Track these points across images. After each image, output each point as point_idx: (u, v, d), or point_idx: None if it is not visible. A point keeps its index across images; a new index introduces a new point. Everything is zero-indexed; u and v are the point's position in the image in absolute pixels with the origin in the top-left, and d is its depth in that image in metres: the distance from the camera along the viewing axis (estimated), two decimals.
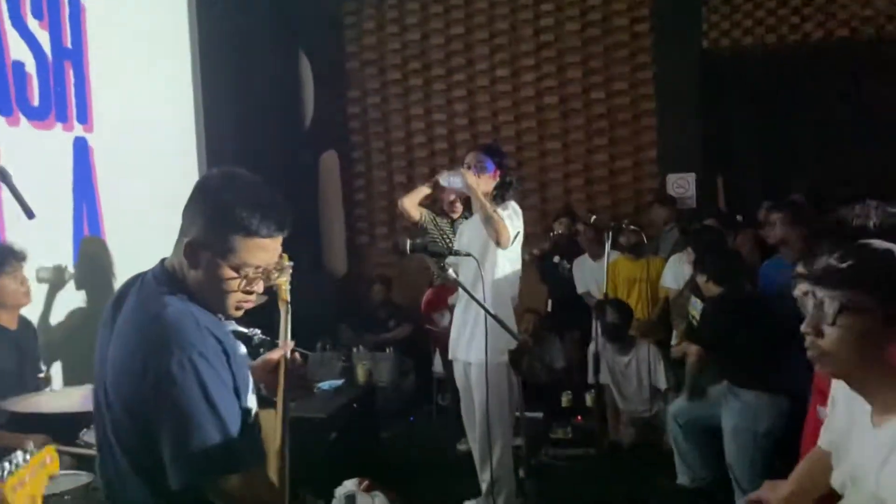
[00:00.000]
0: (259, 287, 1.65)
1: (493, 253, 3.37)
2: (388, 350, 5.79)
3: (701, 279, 3.87)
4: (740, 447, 3.49)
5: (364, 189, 7.28)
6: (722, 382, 3.73)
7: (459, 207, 4.70)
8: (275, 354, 1.90)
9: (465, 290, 2.57)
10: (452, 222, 4.72)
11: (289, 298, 1.97)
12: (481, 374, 3.29)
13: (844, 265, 1.49)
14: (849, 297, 1.46)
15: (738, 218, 5.65)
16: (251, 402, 1.67)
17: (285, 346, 1.89)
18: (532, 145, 6.89)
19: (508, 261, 3.46)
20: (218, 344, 1.56)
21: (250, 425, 1.62)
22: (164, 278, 1.63)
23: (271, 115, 6.24)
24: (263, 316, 4.14)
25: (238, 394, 1.59)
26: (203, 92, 5.32)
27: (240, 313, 1.69)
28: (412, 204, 4.18)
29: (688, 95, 6.52)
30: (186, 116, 5.29)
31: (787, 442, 3.34)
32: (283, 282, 1.93)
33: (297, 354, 1.91)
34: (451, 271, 2.70)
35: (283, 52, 6.57)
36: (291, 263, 2.04)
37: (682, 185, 6.63)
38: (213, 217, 1.59)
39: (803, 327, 1.54)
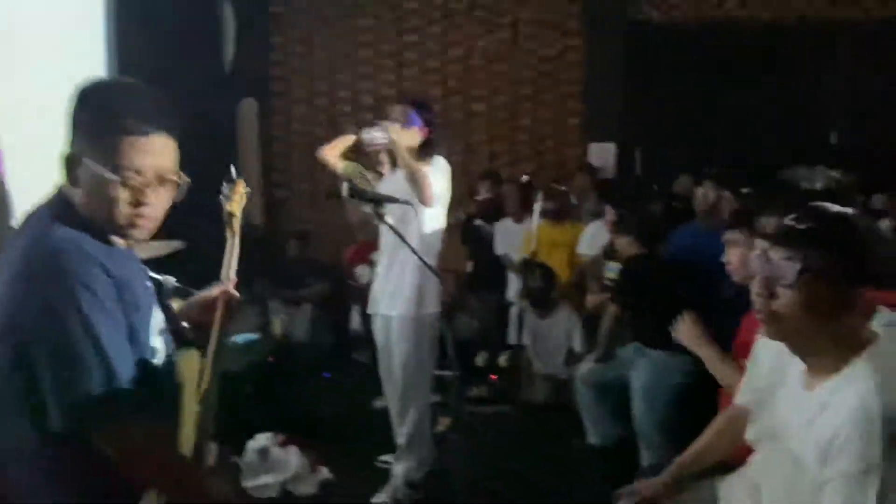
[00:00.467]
0: (152, 199, 1.48)
1: (417, 208, 3.33)
2: (304, 306, 5.70)
3: (622, 239, 3.94)
4: (649, 405, 3.61)
5: (283, 140, 7.06)
6: (630, 345, 3.85)
7: (386, 160, 4.62)
8: (214, 291, 1.83)
9: (402, 238, 2.53)
10: (381, 177, 4.64)
11: (238, 230, 1.96)
12: (404, 328, 3.26)
13: (804, 226, 1.48)
14: (811, 258, 1.44)
15: (654, 187, 5.81)
16: (157, 344, 1.54)
17: (229, 282, 1.81)
18: (458, 107, 6.84)
19: (433, 217, 3.43)
20: (109, 278, 1.41)
21: (151, 372, 1.48)
22: (58, 206, 1.48)
23: (188, 58, 5.91)
24: (183, 266, 4.00)
25: (134, 334, 1.45)
26: (114, 29, 5.01)
27: (139, 234, 1.51)
28: (333, 155, 4.05)
29: (613, 66, 6.60)
30: (95, 54, 4.97)
31: (691, 399, 3.50)
32: (235, 208, 1.94)
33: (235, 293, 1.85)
34: (388, 218, 2.65)
35: None
36: (248, 191, 2.08)
37: (603, 154, 6.75)
38: (91, 121, 1.45)
39: (755, 289, 1.52)
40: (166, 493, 1.45)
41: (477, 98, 6.83)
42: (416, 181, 3.19)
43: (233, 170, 2.13)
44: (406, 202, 2.99)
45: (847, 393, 1.42)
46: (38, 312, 1.35)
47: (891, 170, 5.89)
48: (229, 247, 1.92)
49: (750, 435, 1.81)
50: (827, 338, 1.49)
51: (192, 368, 1.65)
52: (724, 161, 5.93)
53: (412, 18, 6.78)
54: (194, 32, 6.02)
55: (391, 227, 2.64)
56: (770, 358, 1.77)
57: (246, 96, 6.81)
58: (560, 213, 5.20)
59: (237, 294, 1.85)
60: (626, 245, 3.89)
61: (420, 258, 2.61)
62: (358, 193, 2.82)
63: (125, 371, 1.40)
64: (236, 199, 2.08)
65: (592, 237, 5.03)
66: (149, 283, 1.64)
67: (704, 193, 4.30)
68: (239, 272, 5.65)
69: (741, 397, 1.96)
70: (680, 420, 3.51)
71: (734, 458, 1.97)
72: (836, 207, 1.50)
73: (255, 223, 6.81)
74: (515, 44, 6.75)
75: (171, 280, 3.42)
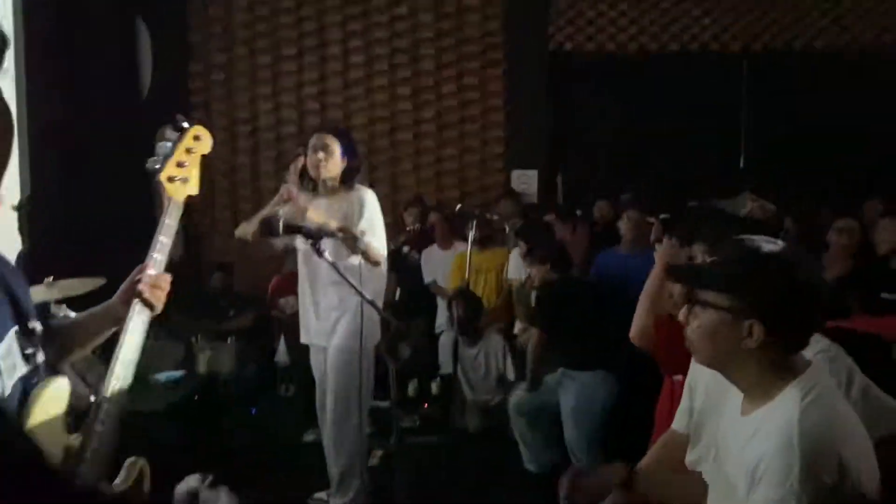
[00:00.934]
0: None
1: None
2: (229, 339, 5.54)
3: (536, 268, 4.04)
4: (579, 427, 3.69)
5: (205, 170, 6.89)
6: (558, 370, 3.91)
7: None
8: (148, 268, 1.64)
9: (339, 273, 2.48)
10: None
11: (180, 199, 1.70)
12: (340, 360, 3.21)
13: (706, 261, 1.57)
14: (705, 292, 1.50)
15: (577, 212, 5.95)
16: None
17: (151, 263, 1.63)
18: (384, 135, 6.86)
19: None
20: None
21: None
22: None
23: (104, 86, 5.74)
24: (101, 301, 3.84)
25: None
26: (27, 56, 4.82)
27: None
28: (250, 231, 3.56)
29: (534, 95, 6.77)
30: (7, 83, 4.75)
31: (618, 418, 3.59)
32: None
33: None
34: (326, 253, 2.61)
35: (118, 18, 6.06)
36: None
37: (526, 180, 6.89)
38: None
39: (679, 316, 1.58)
40: None
41: (402, 127, 6.87)
42: (366, 252, 3.11)
43: (178, 117, 1.81)
44: (343, 236, 2.96)
45: (774, 420, 1.43)
46: None
47: (796, 193, 6.24)
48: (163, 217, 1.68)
49: (689, 458, 1.85)
50: (748, 366, 1.49)
51: (58, 398, 1.44)
52: (640, 186, 6.18)
53: (334, 47, 6.78)
54: (110, 60, 5.84)
55: (331, 263, 2.59)
56: (707, 382, 1.82)
57: (164, 124, 6.62)
58: (487, 240, 5.27)
59: (155, 279, 1.62)
60: (541, 272, 3.99)
61: (360, 294, 2.57)
62: (294, 229, 2.78)
63: None
64: (175, 158, 1.73)
65: (519, 262, 5.11)
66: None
67: (629, 218, 4.45)
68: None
69: (678, 422, 2.01)
70: (610, 440, 3.59)
71: None
72: (756, 242, 1.51)
73: (174, 256, 6.62)
74: (438, 73, 6.83)
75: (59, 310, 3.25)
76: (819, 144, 6.60)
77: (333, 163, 3.34)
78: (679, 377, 2.29)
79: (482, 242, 5.31)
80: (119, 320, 1.64)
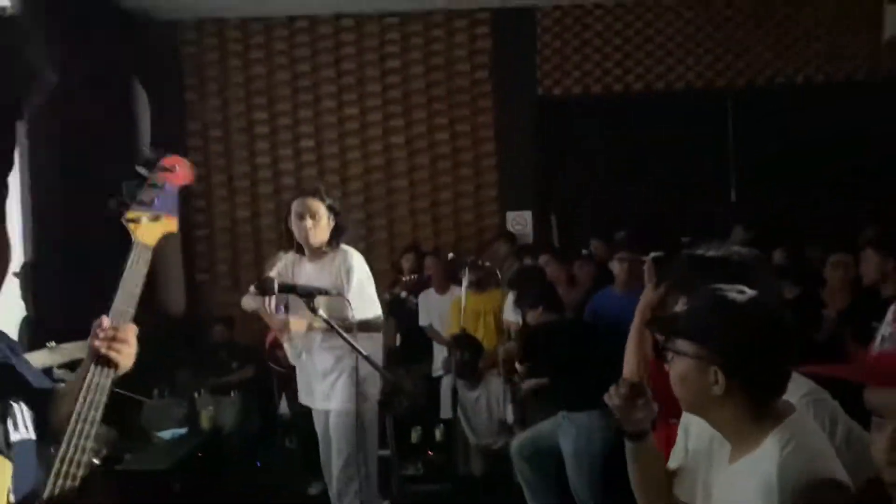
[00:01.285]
0: None
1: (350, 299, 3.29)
2: (232, 393, 5.57)
3: (530, 313, 4.08)
4: (581, 469, 3.69)
5: (205, 225, 7.00)
6: (557, 413, 3.92)
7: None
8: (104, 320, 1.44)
9: (339, 332, 2.51)
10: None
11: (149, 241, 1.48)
12: (347, 423, 3.18)
13: (676, 313, 1.63)
14: (675, 342, 1.55)
15: (584, 251, 5.99)
16: None
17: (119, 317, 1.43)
18: (380, 183, 6.97)
19: (366, 305, 3.38)
20: None
21: None
22: None
23: (102, 145, 5.87)
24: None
25: None
26: (26, 117, 4.93)
27: None
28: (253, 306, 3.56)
29: (524, 138, 6.91)
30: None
31: (620, 457, 3.59)
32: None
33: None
34: (321, 312, 2.65)
35: (116, 80, 6.22)
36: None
37: (521, 221, 6.98)
38: None
39: (665, 365, 1.62)
40: None
41: (398, 174, 6.99)
42: (365, 325, 3.08)
43: (147, 150, 1.64)
44: (338, 294, 2.97)
45: (754, 472, 1.44)
46: None
47: (787, 224, 6.32)
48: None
49: (676, 489, 1.85)
50: (729, 411, 1.50)
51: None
52: (633, 224, 6.25)
53: (328, 101, 6.94)
54: (108, 121, 5.98)
55: (327, 321, 2.61)
56: (700, 423, 1.85)
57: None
58: (483, 283, 5.33)
59: (114, 332, 1.42)
60: (535, 317, 4.03)
61: (356, 349, 2.59)
62: (288, 288, 2.81)
63: None
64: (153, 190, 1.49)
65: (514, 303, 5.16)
66: None
67: (621, 258, 4.51)
68: (162, 362, 5.44)
69: (672, 461, 2.02)
70: (612, 480, 3.58)
71: None
72: (728, 293, 1.55)
73: (175, 311, 6.68)
74: (430, 121, 6.98)
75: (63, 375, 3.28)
76: (807, 175, 6.70)
77: (321, 228, 3.27)
78: (674, 420, 2.31)
79: (479, 285, 5.36)
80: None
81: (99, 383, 1.41)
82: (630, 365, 2.53)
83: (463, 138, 7.00)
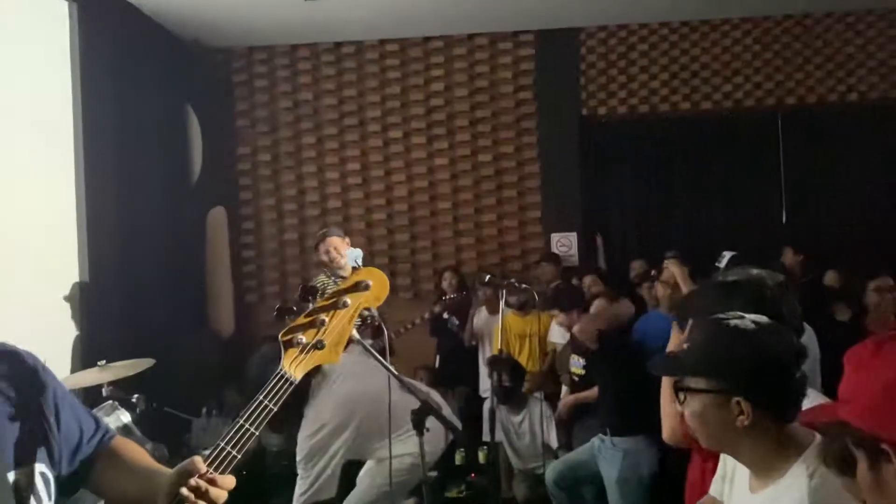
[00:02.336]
0: None
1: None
2: None
3: (576, 325, 4.01)
4: (625, 495, 3.61)
5: (254, 246, 7.15)
6: (591, 439, 3.85)
7: (342, 262, 4.63)
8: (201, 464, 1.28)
9: (371, 352, 2.49)
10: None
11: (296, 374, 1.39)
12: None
13: (680, 351, 1.57)
14: (686, 381, 1.51)
15: (653, 273, 5.87)
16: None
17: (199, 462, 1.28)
18: (423, 205, 7.03)
19: None
20: None
21: None
22: None
23: (157, 170, 6.08)
24: (155, 379, 3.98)
25: None
26: (84, 143, 5.14)
27: None
28: None
29: (568, 159, 6.89)
30: (65, 168, 5.09)
31: (664, 485, 3.51)
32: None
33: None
34: (354, 332, 2.66)
35: (169, 106, 6.45)
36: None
37: (565, 243, 6.93)
38: None
39: (677, 406, 1.58)
40: None
41: (442, 196, 7.03)
42: None
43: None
44: (374, 317, 2.98)
45: (783, 500, 1.42)
46: None
47: (838, 246, 6.14)
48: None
49: (713, 489, 1.82)
50: (753, 442, 1.48)
51: None
52: (679, 247, 6.15)
53: (374, 125, 7.04)
54: (161, 147, 6.19)
55: (362, 343, 2.60)
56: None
57: (215, 205, 6.94)
58: (525, 305, 5.30)
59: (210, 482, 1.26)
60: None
61: (387, 367, 2.58)
62: (313, 296, 2.83)
63: None
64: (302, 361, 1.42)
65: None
66: None
67: (664, 282, 4.45)
68: (209, 381, 5.56)
69: (713, 489, 1.99)
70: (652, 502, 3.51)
71: None
72: (730, 320, 1.51)
73: (224, 331, 6.82)
74: (474, 143, 7.02)
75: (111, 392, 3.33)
76: (859, 196, 6.52)
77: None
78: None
79: (522, 308, 5.35)
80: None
81: None
82: (667, 419, 2.45)
83: (507, 160, 7.02)
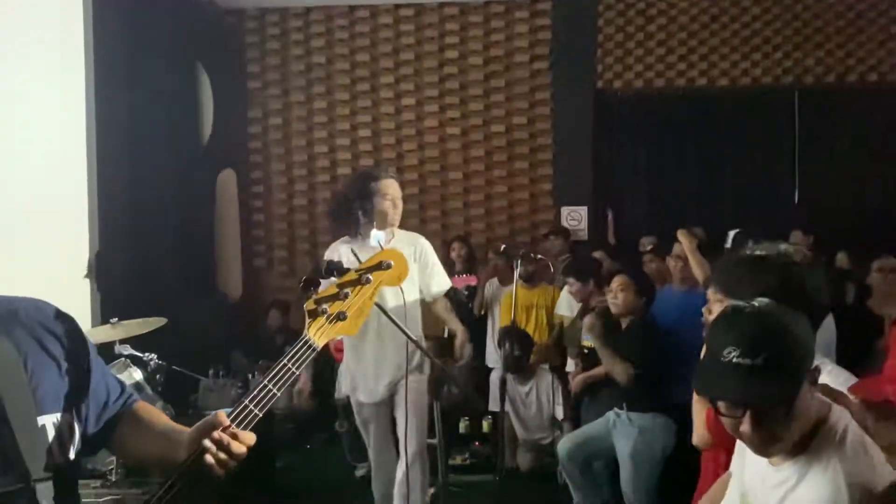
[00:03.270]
0: None
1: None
2: None
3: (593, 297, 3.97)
4: (637, 472, 3.61)
5: (263, 210, 7.14)
6: (606, 413, 3.85)
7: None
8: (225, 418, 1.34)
9: (389, 317, 2.53)
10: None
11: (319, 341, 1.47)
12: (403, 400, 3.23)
13: (747, 363, 1.41)
14: (751, 401, 1.42)
15: (649, 247, 5.81)
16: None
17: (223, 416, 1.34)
18: (434, 174, 6.99)
19: (410, 289, 3.42)
20: None
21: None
22: None
23: (167, 132, 6.04)
24: (163, 340, 4.00)
25: None
26: (96, 104, 5.11)
27: None
28: None
29: (582, 132, 6.82)
30: (77, 128, 5.06)
31: (676, 463, 3.52)
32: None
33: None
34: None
35: (181, 67, 6.39)
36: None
37: (575, 217, 6.90)
38: None
39: (731, 428, 1.48)
40: None
41: (453, 166, 6.99)
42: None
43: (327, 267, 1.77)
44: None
45: (818, 477, 1.42)
46: None
47: (851, 228, 6.09)
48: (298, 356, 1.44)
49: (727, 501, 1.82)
50: (795, 422, 1.45)
51: None
52: (691, 223, 6.11)
53: (386, 91, 6.98)
54: (172, 108, 6.15)
55: (378, 305, 2.63)
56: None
57: (224, 167, 6.92)
58: (535, 277, 5.29)
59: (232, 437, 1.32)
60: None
61: (408, 335, 2.61)
62: (338, 271, 2.82)
63: None
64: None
65: (570, 299, 5.12)
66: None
67: (676, 256, 4.43)
68: (216, 344, 5.59)
69: (734, 464, 1.98)
70: (666, 485, 3.53)
71: None
72: (779, 315, 1.46)
73: (232, 295, 6.83)
74: (487, 112, 6.96)
75: (153, 357, 3.39)
76: (874, 179, 6.46)
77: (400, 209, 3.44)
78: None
79: (530, 279, 5.33)
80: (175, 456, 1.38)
81: (196, 474, 1.33)
82: (699, 428, 2.43)
83: (519, 131, 6.96)
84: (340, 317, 1.51)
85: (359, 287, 1.55)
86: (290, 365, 1.43)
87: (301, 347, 1.45)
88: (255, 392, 1.40)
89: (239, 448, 1.34)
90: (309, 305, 1.50)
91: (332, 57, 7.01)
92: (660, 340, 3.74)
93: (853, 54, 6.73)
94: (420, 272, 3.41)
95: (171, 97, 6.11)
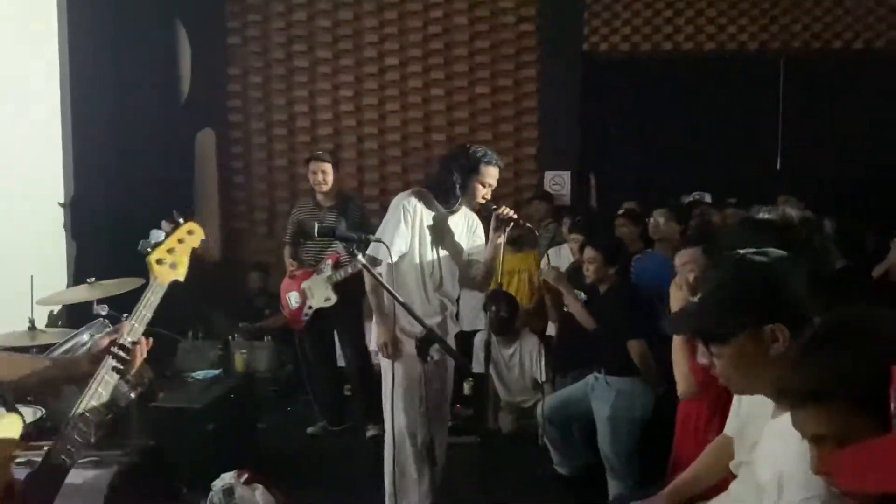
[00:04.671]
0: None
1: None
2: (265, 339, 5.64)
3: (593, 261, 3.95)
4: (615, 435, 3.63)
5: (242, 171, 7.02)
6: (586, 376, 3.86)
7: (326, 188, 4.66)
8: (105, 340, 1.80)
9: (373, 275, 2.51)
10: (320, 205, 4.71)
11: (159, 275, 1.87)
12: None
13: (701, 301, 1.57)
14: (723, 330, 1.51)
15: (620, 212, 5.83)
16: None
17: (124, 329, 1.78)
18: (417, 136, 6.90)
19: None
20: None
21: None
22: None
23: (145, 88, 5.88)
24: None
25: None
26: (71, 59, 4.96)
27: None
28: None
29: (568, 96, 6.75)
30: (51, 83, 4.91)
31: (655, 427, 3.54)
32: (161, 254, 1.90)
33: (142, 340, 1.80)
34: (360, 256, 2.65)
35: (159, 22, 6.20)
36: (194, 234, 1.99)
37: (559, 182, 6.87)
38: None
39: (703, 361, 1.58)
40: None
41: (436, 128, 6.90)
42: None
43: (175, 214, 2.04)
44: (377, 239, 2.98)
45: None
46: None
47: (834, 194, 6.12)
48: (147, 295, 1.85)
49: (733, 465, 1.85)
50: (781, 370, 1.45)
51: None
52: (673, 189, 6.12)
53: (369, 50, 6.84)
54: (149, 64, 5.98)
55: (363, 265, 2.62)
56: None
57: (203, 127, 6.77)
58: (520, 242, 5.27)
59: (130, 346, 1.76)
60: (596, 266, 3.86)
61: (395, 297, 2.58)
62: (328, 234, 2.81)
63: None
64: (166, 244, 1.94)
65: (554, 262, 5.10)
66: None
67: (655, 223, 4.42)
68: (198, 306, 5.55)
69: (728, 427, 2.00)
70: (645, 448, 3.55)
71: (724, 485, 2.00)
72: (742, 256, 1.54)
73: (211, 256, 6.74)
74: (472, 74, 6.85)
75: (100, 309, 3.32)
76: (857, 146, 6.47)
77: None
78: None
79: (515, 244, 5.31)
80: (73, 378, 1.79)
81: (110, 378, 1.74)
82: (683, 378, 2.45)
83: (504, 93, 6.87)
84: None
85: None
86: None
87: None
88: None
89: (139, 350, 1.76)
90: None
91: (313, 14, 6.84)
92: (641, 305, 3.74)
93: (840, 20, 6.69)
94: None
95: (147, 53, 5.94)
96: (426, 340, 2.35)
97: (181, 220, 1.98)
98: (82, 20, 5.04)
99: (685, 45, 6.80)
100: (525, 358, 4.73)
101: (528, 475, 4.02)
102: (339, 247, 4.43)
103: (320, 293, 4.48)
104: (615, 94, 6.99)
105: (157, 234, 1.95)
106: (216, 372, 4.43)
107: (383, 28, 6.82)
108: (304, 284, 4.58)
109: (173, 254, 1.90)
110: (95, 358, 1.77)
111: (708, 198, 5.77)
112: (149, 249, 1.91)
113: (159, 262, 1.88)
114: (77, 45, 4.99)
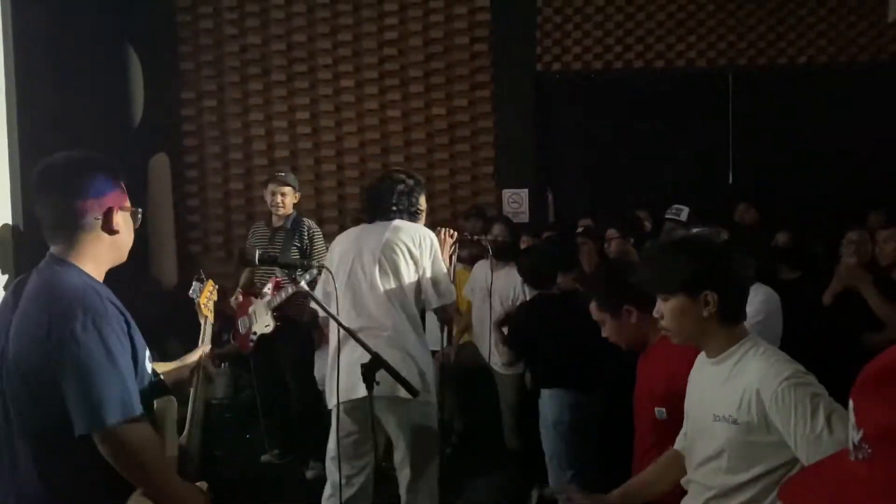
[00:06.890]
0: None
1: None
2: (223, 365, 5.54)
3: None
4: (566, 443, 3.65)
5: (197, 195, 6.94)
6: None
7: (283, 211, 4.63)
8: (193, 356, 2.32)
9: (317, 302, 2.47)
10: (272, 229, 4.67)
11: (208, 315, 2.52)
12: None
13: (656, 266, 2.04)
14: (663, 290, 1.97)
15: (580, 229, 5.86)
16: (147, 367, 1.90)
17: (203, 349, 2.35)
18: (375, 157, 6.90)
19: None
20: (120, 314, 1.82)
21: (146, 385, 1.87)
22: (58, 263, 1.84)
23: (96, 114, 5.79)
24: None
25: (136, 357, 1.82)
26: (17, 85, 4.86)
27: None
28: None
29: (523, 114, 6.83)
30: None
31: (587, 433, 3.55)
32: (203, 300, 2.53)
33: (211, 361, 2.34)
34: (303, 283, 2.63)
35: (110, 47, 6.13)
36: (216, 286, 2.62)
37: (517, 199, 6.92)
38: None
39: (655, 312, 1.98)
40: (150, 490, 1.74)
41: (394, 149, 6.91)
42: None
43: (202, 273, 2.63)
44: (321, 266, 2.95)
45: (736, 366, 1.88)
46: (63, 342, 1.69)
47: (786, 206, 6.27)
48: (203, 324, 2.46)
49: (683, 481, 1.92)
50: (715, 331, 1.93)
51: (174, 411, 1.96)
52: (628, 203, 6.21)
53: (325, 72, 6.85)
54: (100, 90, 5.90)
55: (308, 292, 2.59)
56: (692, 404, 1.94)
57: (157, 152, 6.68)
58: (473, 259, 5.26)
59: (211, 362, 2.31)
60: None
61: (340, 324, 2.54)
62: (268, 261, 2.79)
63: (132, 385, 1.76)
64: (206, 293, 2.56)
65: (479, 276, 5.02)
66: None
67: (608, 245, 4.46)
68: (151, 331, 5.47)
69: (677, 443, 2.05)
70: (581, 452, 3.56)
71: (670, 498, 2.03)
72: (696, 233, 1.97)
73: (167, 281, 6.64)
74: (428, 95, 6.89)
75: None
76: (806, 159, 6.65)
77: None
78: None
79: (468, 261, 5.31)
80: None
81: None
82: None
83: (460, 113, 6.92)
84: None
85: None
86: None
87: None
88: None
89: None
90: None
91: (267, 38, 6.83)
92: (557, 318, 3.70)
93: (784, 37, 6.90)
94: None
95: (98, 78, 5.86)
96: (371, 366, 2.31)
97: (204, 278, 2.61)
98: (29, 47, 4.95)
99: (636, 63, 6.94)
100: None
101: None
102: (279, 271, 4.37)
103: (262, 319, 4.43)
104: (569, 112, 7.09)
105: (196, 286, 2.64)
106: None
107: (337, 50, 6.84)
108: (251, 309, 4.54)
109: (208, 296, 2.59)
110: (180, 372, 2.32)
111: (685, 214, 5.77)
112: (196, 296, 2.55)
113: (205, 305, 2.53)
114: (24, 71, 4.90)
